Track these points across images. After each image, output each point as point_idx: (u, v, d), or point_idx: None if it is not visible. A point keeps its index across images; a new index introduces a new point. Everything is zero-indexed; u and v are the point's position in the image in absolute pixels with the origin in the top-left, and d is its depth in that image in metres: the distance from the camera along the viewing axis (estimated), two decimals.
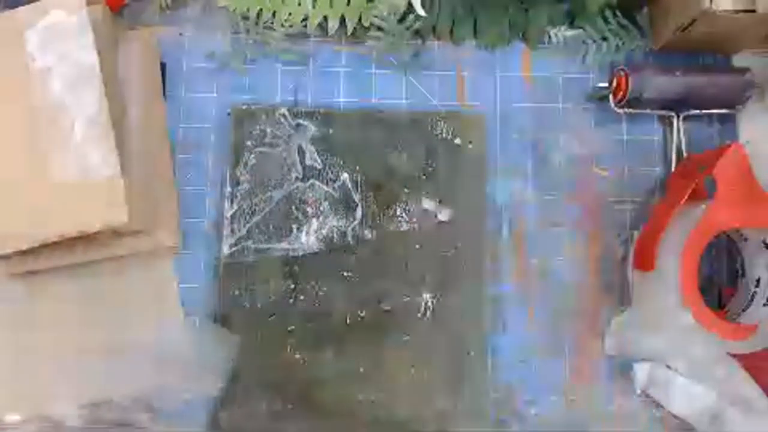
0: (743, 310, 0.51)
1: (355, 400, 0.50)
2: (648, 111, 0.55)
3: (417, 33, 0.56)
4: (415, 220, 0.53)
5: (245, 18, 0.55)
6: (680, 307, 0.47)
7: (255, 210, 0.52)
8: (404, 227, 0.53)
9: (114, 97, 0.48)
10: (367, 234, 0.53)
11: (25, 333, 0.50)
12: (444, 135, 0.54)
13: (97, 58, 0.47)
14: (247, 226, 0.52)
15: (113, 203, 0.46)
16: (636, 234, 0.53)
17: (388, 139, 0.54)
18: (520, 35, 0.57)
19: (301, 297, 0.51)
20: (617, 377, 0.53)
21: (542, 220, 0.55)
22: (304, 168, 0.53)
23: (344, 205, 0.53)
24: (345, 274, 0.52)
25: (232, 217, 0.52)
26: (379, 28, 0.55)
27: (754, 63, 0.55)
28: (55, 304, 0.50)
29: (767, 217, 0.49)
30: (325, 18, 0.54)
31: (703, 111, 0.55)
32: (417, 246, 0.53)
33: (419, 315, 0.52)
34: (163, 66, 0.55)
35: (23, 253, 0.46)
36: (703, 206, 0.48)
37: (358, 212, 0.53)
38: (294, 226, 0.52)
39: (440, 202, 0.53)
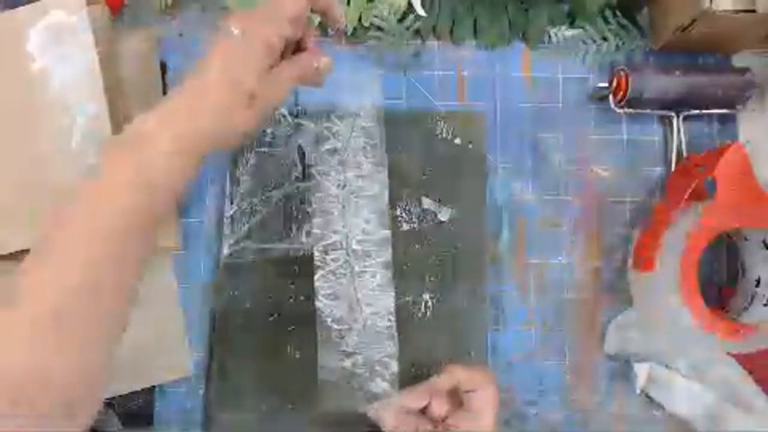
0: (743, 310, 0.51)
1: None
2: (648, 111, 0.55)
3: (417, 33, 0.56)
4: (415, 220, 0.53)
5: None
6: (680, 307, 0.47)
7: (255, 210, 0.52)
8: (404, 227, 0.53)
9: (114, 97, 0.48)
10: None
11: None
12: (444, 135, 0.54)
13: (97, 58, 0.47)
14: (247, 226, 0.52)
15: None
16: (636, 234, 0.53)
17: (388, 139, 0.54)
18: (520, 35, 0.57)
19: (301, 297, 0.51)
20: (617, 377, 0.53)
21: (542, 220, 0.55)
22: (304, 168, 0.53)
23: None
24: None
25: (232, 217, 0.52)
26: (379, 28, 0.55)
27: (754, 63, 0.55)
28: None
29: (767, 217, 0.49)
30: None
31: (703, 111, 0.55)
32: (417, 246, 0.53)
33: (419, 315, 0.52)
34: (163, 66, 0.55)
35: (23, 253, 0.46)
36: (703, 206, 0.48)
37: None
38: (294, 226, 0.52)
39: (440, 202, 0.53)
